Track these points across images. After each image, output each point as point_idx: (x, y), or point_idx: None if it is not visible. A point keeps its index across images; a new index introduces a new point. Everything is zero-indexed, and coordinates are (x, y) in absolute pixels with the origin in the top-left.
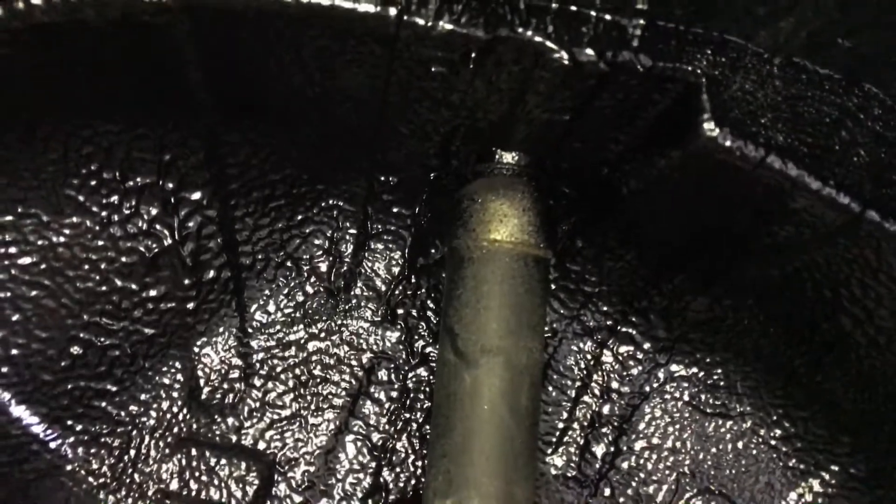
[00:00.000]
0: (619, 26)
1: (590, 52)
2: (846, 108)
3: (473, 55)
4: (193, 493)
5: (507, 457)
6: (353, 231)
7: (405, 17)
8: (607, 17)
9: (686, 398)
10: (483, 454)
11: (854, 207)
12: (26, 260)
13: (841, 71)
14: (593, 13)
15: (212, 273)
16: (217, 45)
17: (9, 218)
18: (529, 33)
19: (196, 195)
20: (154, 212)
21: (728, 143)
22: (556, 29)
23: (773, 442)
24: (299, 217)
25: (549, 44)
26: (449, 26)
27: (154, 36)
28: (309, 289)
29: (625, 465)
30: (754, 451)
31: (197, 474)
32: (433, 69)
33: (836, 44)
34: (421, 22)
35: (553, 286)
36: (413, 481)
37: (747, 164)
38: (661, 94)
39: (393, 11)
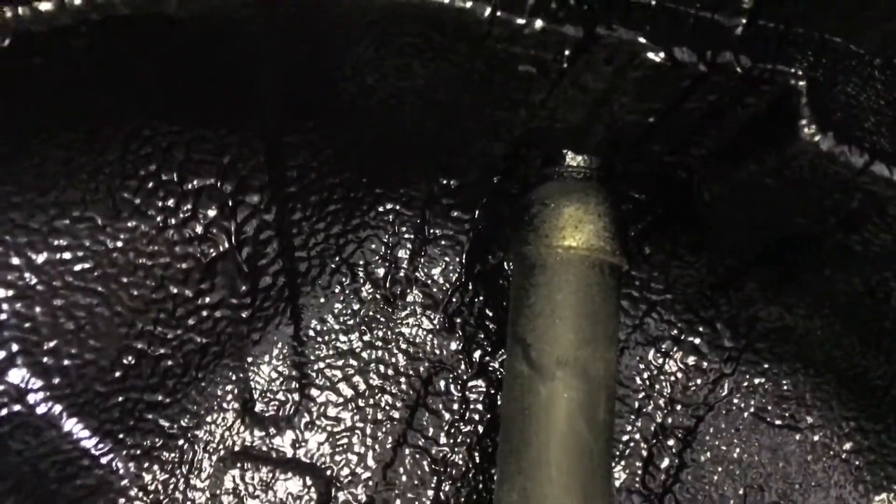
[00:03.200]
0: (720, 25)
1: (689, 51)
2: None
3: (567, 54)
4: None
5: (586, 472)
6: (409, 236)
7: (498, 14)
8: (707, 15)
9: (753, 409)
10: (561, 470)
11: None
12: (80, 266)
13: None
14: (693, 11)
15: (268, 279)
16: (296, 42)
17: (65, 222)
18: (627, 31)
19: (255, 198)
20: (211, 215)
21: (831, 149)
22: (655, 27)
23: (844, 455)
24: (355, 221)
25: (646, 42)
26: (544, 24)
27: (231, 30)
28: (365, 295)
29: (689, 477)
30: (825, 465)
31: (251, 490)
32: (520, 68)
33: None
34: (516, 19)
35: None
36: (475, 496)
37: (850, 170)
38: (756, 96)
39: (487, 8)
